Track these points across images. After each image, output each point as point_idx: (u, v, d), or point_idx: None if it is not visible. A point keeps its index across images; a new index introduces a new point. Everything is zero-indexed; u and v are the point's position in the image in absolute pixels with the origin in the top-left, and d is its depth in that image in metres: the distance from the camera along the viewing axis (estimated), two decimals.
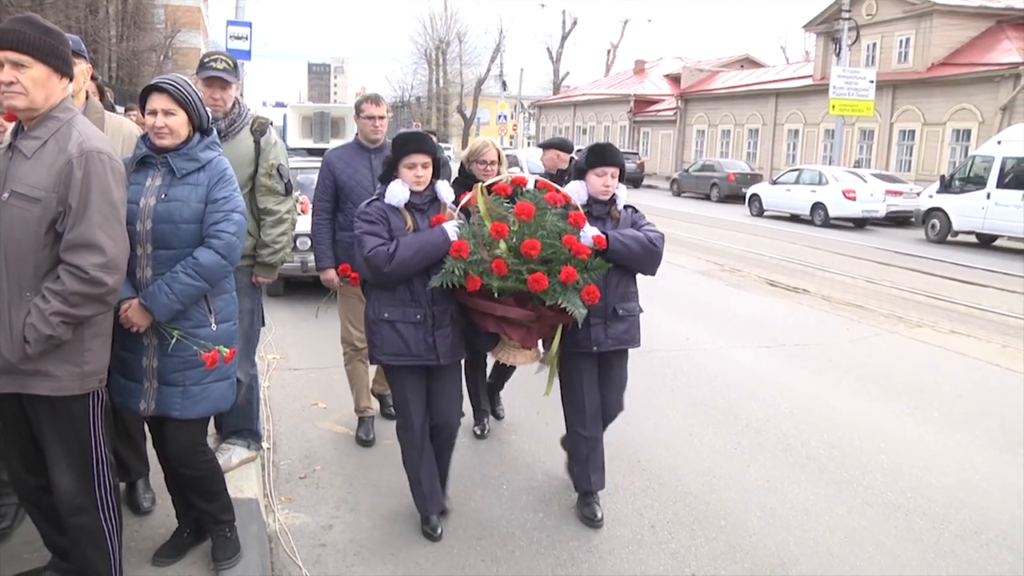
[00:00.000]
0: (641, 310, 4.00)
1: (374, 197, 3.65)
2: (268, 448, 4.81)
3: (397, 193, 3.55)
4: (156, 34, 42.25)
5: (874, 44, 31.92)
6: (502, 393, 5.56)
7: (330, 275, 4.85)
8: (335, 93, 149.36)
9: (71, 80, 2.71)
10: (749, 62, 48.01)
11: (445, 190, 3.70)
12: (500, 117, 49.54)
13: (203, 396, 3.03)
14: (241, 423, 4.30)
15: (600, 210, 3.81)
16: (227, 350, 2.98)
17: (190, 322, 2.98)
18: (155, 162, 2.98)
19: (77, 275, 2.48)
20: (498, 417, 5.47)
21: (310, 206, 9.11)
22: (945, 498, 4.48)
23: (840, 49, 27.73)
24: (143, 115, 3.01)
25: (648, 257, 3.77)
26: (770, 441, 5.27)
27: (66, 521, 2.77)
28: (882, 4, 31.54)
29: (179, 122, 2.96)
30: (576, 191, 3.77)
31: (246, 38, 15.71)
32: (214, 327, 3.03)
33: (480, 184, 3.69)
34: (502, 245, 3.41)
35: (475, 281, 3.36)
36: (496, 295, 3.40)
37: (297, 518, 3.95)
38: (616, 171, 3.80)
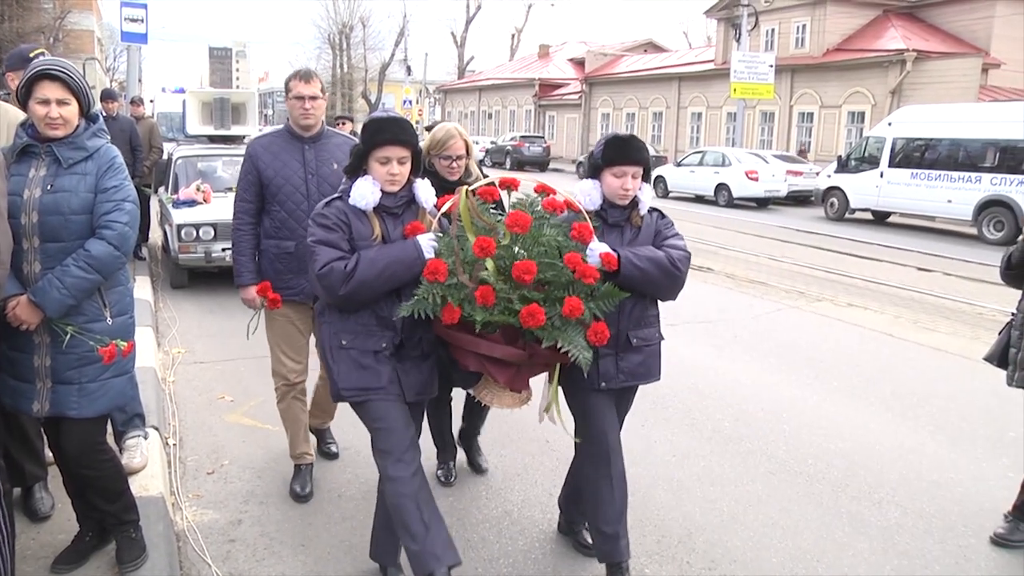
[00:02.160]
0: (662, 337, 3.28)
1: (335, 196, 2.96)
2: (174, 444, 4.69)
3: (365, 193, 2.86)
4: (44, 15, 40.11)
5: (772, 30, 32.95)
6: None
7: (250, 294, 4.00)
8: (237, 78, 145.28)
9: None
10: (652, 47, 48.85)
11: (424, 191, 2.99)
12: (405, 102, 49.16)
13: (101, 393, 2.92)
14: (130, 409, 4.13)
15: (617, 216, 3.10)
16: (124, 344, 2.88)
17: (84, 317, 2.86)
18: (39, 151, 2.85)
19: None
20: (480, 470, 4.42)
21: (212, 195, 9.00)
22: (842, 462, 4.70)
23: (740, 35, 28.49)
24: (25, 102, 2.85)
25: (667, 282, 3.04)
26: (676, 416, 5.41)
27: None
28: None
29: (72, 112, 2.83)
30: (588, 192, 3.08)
31: (142, 20, 15.13)
32: (110, 321, 2.92)
33: (465, 187, 2.81)
34: (489, 265, 2.70)
35: (454, 312, 2.68)
36: (480, 329, 2.72)
37: (205, 515, 3.86)
38: (639, 170, 3.04)
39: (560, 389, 3.06)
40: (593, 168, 3.10)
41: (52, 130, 2.82)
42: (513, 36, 66.80)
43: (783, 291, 10.05)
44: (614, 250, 2.90)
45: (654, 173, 25.57)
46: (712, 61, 36.71)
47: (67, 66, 2.87)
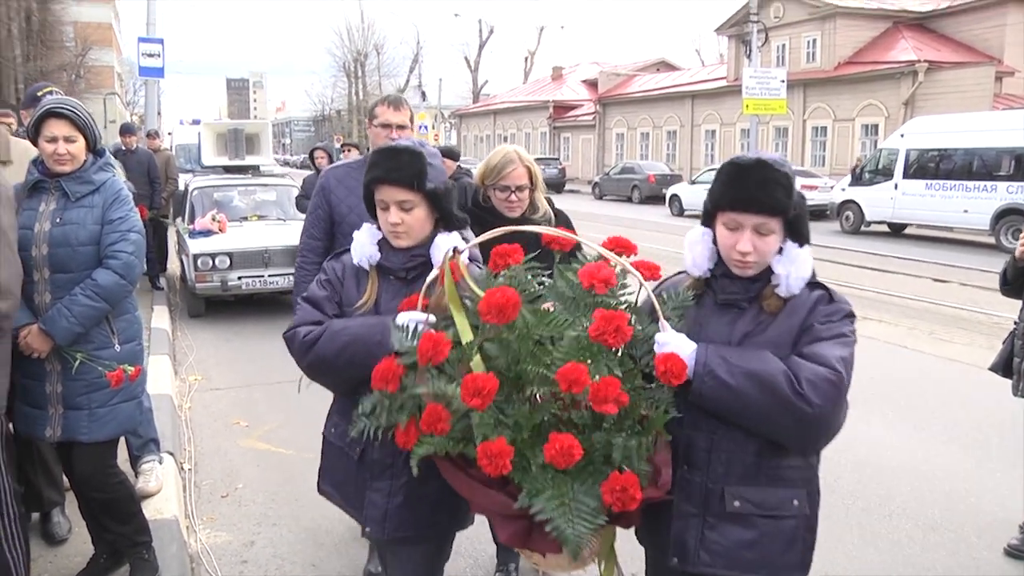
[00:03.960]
0: (809, 508, 2.01)
1: (347, 247, 2.35)
2: (189, 469, 4.76)
3: (363, 245, 2.25)
4: (66, 52, 40.97)
5: (783, 45, 33.03)
6: None
7: None
8: (255, 108, 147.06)
9: None
10: (665, 65, 49.03)
11: (441, 250, 2.08)
12: (421, 128, 49.49)
13: (110, 417, 3.01)
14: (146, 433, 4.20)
15: (736, 292, 1.97)
16: (132, 369, 2.96)
17: (93, 344, 2.95)
18: (48, 186, 2.96)
19: None
20: None
21: (227, 224, 9.14)
22: (854, 474, 4.69)
23: (751, 51, 28.56)
24: (35, 139, 2.97)
25: (776, 415, 1.82)
26: None
27: None
28: (789, 7, 32.70)
29: (79, 148, 2.95)
30: (693, 246, 2.01)
31: (158, 55, 15.39)
32: (117, 348, 3.01)
33: (452, 249, 1.98)
34: (475, 365, 1.79)
35: (407, 435, 1.85)
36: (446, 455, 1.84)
37: (219, 537, 3.92)
38: (768, 223, 1.89)
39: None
40: (705, 213, 2.03)
41: (60, 166, 2.92)
42: (526, 59, 67.32)
43: None
44: (697, 345, 1.85)
45: (669, 192, 25.75)
46: (724, 78, 36.81)
47: (74, 104, 2.98)
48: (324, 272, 2.33)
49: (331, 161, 9.57)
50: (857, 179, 19.66)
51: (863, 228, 19.32)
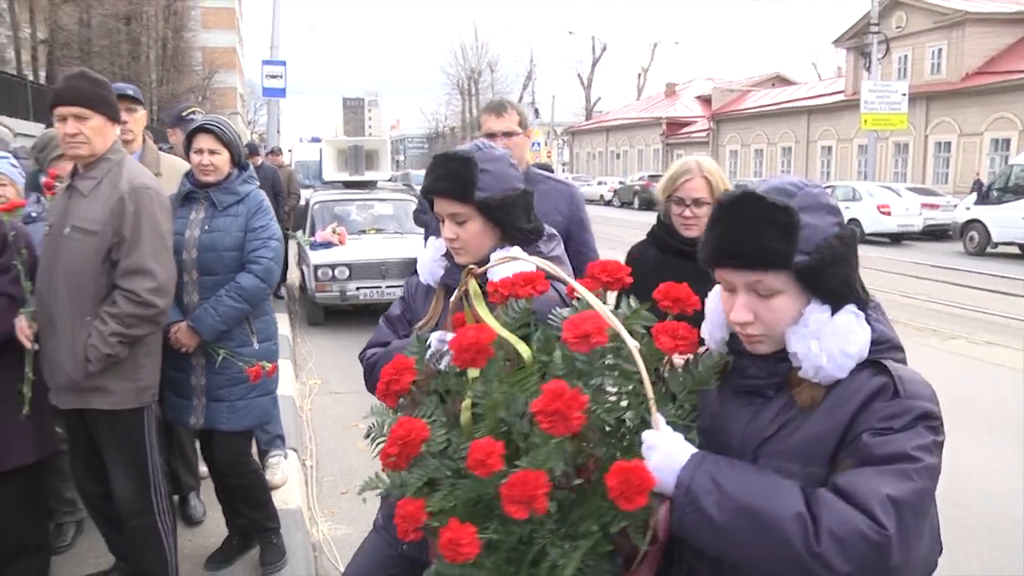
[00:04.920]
0: None
1: None
2: (311, 465, 5.05)
3: (426, 261, 2.10)
4: (194, 76, 43.66)
5: (905, 56, 31.85)
6: None
7: None
8: (370, 127, 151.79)
9: (118, 124, 3.00)
10: (780, 80, 48.04)
11: (505, 266, 1.67)
12: (534, 145, 49.96)
13: (248, 410, 3.29)
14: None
15: (759, 375, 1.46)
16: (269, 365, 3.24)
17: (234, 342, 3.25)
18: (198, 196, 3.28)
19: (131, 299, 2.75)
20: None
21: (347, 237, 9.57)
22: (984, 506, 4.55)
23: (870, 63, 27.71)
24: (187, 154, 3.30)
25: (770, 566, 1.27)
26: None
27: (126, 524, 3.03)
28: (912, 16, 31.48)
29: (223, 160, 3.26)
30: (709, 308, 1.53)
31: (281, 76, 16.21)
32: (256, 346, 3.30)
33: (471, 267, 1.70)
34: (463, 417, 1.48)
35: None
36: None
37: (339, 529, 4.17)
38: (766, 279, 1.38)
39: None
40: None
41: (204, 175, 3.25)
42: (639, 75, 67.11)
43: (914, 328, 9.68)
44: (692, 455, 1.34)
45: None
46: (842, 92, 35.78)
47: (221, 121, 3.31)
48: (405, 288, 2.22)
49: None
50: (983, 197, 18.75)
51: (989, 249, 18.40)
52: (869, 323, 1.40)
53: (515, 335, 1.51)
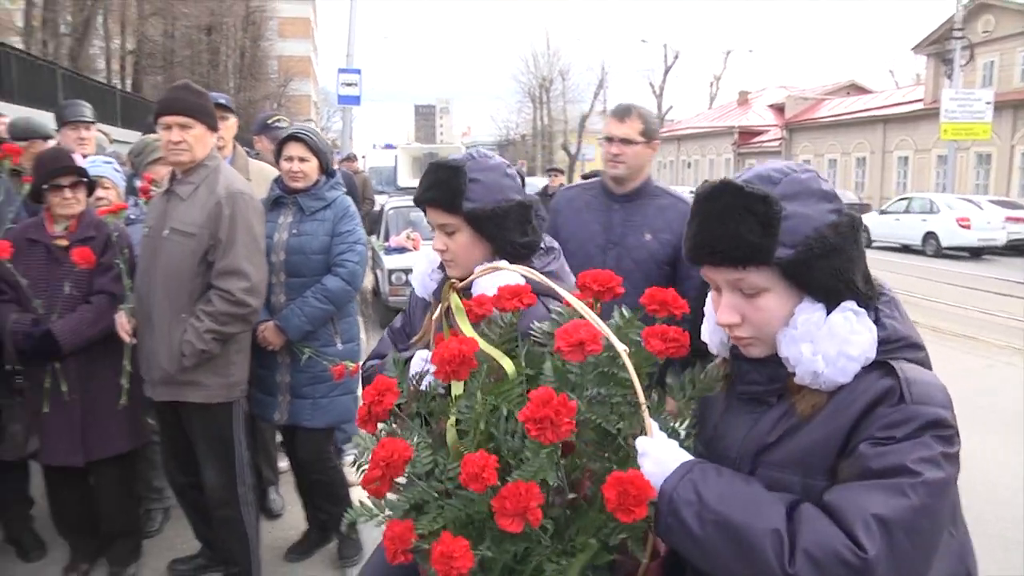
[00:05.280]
0: None
1: None
2: None
3: (421, 274, 2.06)
4: (270, 84, 44.81)
5: (991, 63, 30.80)
6: None
7: None
8: (441, 134, 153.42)
9: (216, 133, 3.16)
10: (855, 88, 46.96)
11: (482, 278, 1.71)
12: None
13: (330, 408, 3.42)
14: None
15: (758, 380, 1.36)
16: (352, 365, 3.36)
17: (319, 341, 3.39)
18: (287, 201, 3.43)
19: (226, 298, 2.90)
20: None
21: (421, 242, 9.74)
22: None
23: (952, 70, 26.89)
24: (277, 161, 3.45)
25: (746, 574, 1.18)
26: None
27: (213, 514, 3.19)
28: (1002, 19, 30.32)
29: (312, 168, 3.40)
30: (710, 315, 1.44)
31: (356, 84, 16.54)
32: (339, 346, 3.44)
33: (451, 281, 1.70)
34: (449, 436, 1.44)
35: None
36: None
37: None
38: (748, 277, 1.28)
39: None
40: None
41: (294, 182, 3.39)
42: (711, 83, 66.29)
43: (996, 346, 9.39)
44: (681, 464, 1.27)
45: None
46: (920, 101, 34.78)
47: (310, 130, 3.46)
48: (408, 300, 2.17)
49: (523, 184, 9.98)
50: None
51: None
52: (879, 320, 1.28)
53: (499, 350, 1.45)
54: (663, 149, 58.39)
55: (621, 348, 1.28)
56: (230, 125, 3.89)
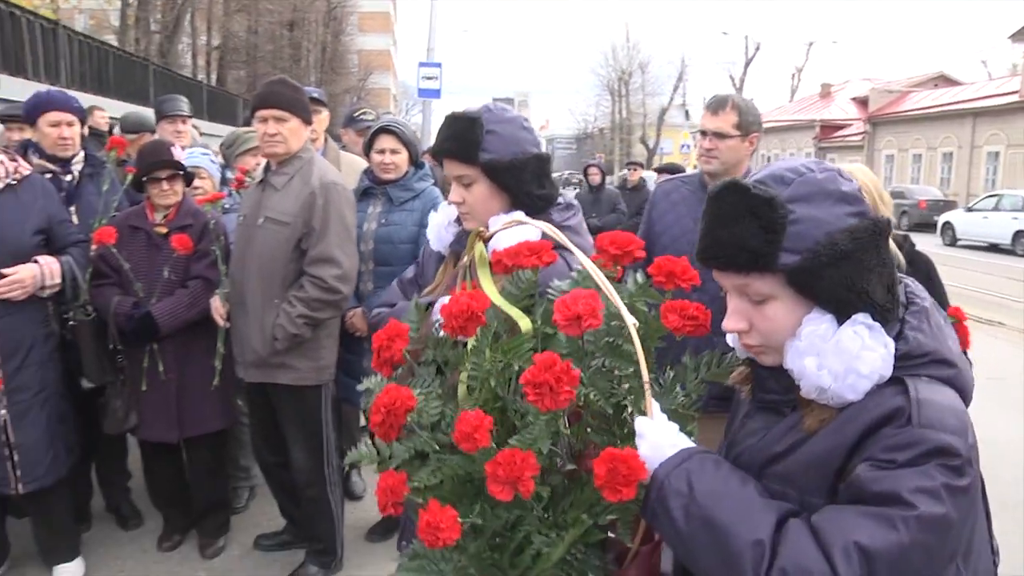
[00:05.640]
0: None
1: None
2: None
3: (437, 226, 2.05)
4: (351, 77, 45.62)
5: None
6: None
7: None
8: None
9: (310, 126, 3.28)
10: (944, 80, 45.21)
11: (498, 230, 1.59)
12: (683, 147, 49.29)
13: None
14: None
15: (775, 390, 1.30)
16: None
17: None
18: (376, 192, 3.53)
19: (319, 284, 3.01)
20: None
21: None
22: None
23: None
24: (367, 153, 3.56)
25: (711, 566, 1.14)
26: None
27: (300, 494, 3.31)
28: None
29: (403, 159, 3.51)
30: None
31: (436, 78, 16.69)
32: None
33: (478, 231, 1.56)
34: (460, 389, 1.37)
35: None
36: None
37: None
38: (753, 283, 1.21)
39: None
40: None
41: (385, 173, 3.49)
42: (793, 76, 64.73)
43: None
44: (678, 451, 1.21)
45: (941, 219, 23.75)
46: (1016, 92, 33.31)
47: (402, 123, 3.55)
48: (421, 252, 2.20)
49: (604, 178, 9.99)
50: None
51: None
52: (902, 332, 1.17)
53: (519, 307, 1.38)
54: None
55: (630, 321, 1.21)
56: (322, 118, 4.02)
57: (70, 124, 3.44)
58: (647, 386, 1.21)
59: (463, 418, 1.20)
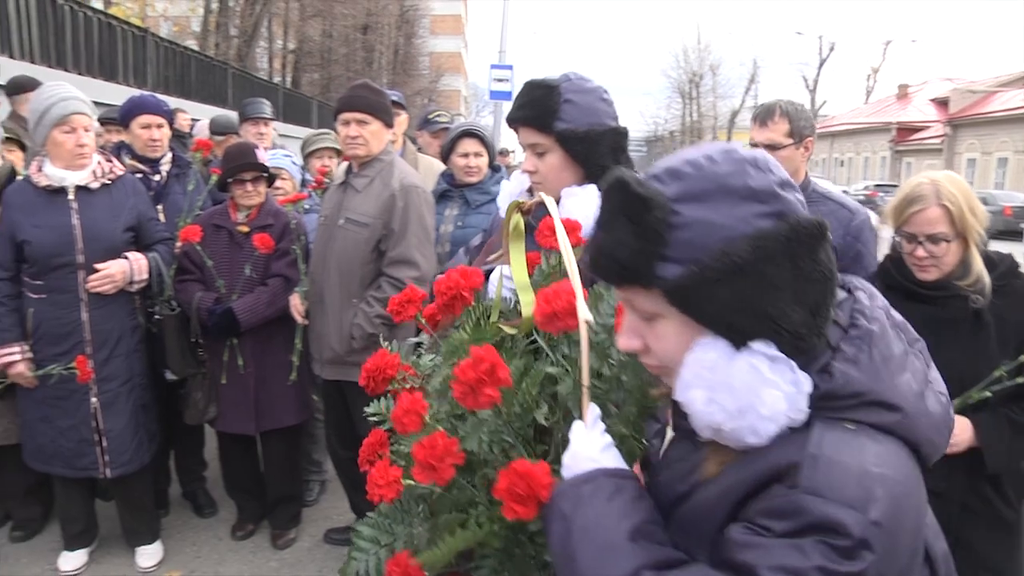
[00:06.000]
0: None
1: None
2: None
3: (509, 192, 1.97)
4: (422, 79, 46.15)
5: None
6: None
7: None
8: None
9: (391, 129, 3.34)
10: None
11: (570, 203, 1.78)
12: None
13: None
14: None
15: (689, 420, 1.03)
16: None
17: None
18: (453, 195, 3.59)
19: (397, 285, 3.07)
20: None
21: None
22: None
23: None
24: (447, 156, 3.62)
25: None
26: None
27: None
28: None
29: (485, 163, 3.57)
30: None
31: (508, 80, 16.75)
32: None
33: (516, 202, 1.48)
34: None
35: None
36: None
37: None
38: (636, 299, 1.01)
39: None
40: None
41: (469, 176, 3.57)
42: (869, 76, 63.11)
43: None
44: (588, 470, 1.08)
45: None
46: None
47: (483, 127, 3.61)
48: (492, 221, 2.13)
49: None
50: None
51: None
52: (827, 367, 0.95)
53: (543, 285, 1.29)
54: (817, 145, 55.03)
55: (583, 316, 1.11)
56: (401, 121, 4.07)
57: (160, 127, 3.60)
58: (585, 389, 1.11)
59: (404, 396, 1.20)
